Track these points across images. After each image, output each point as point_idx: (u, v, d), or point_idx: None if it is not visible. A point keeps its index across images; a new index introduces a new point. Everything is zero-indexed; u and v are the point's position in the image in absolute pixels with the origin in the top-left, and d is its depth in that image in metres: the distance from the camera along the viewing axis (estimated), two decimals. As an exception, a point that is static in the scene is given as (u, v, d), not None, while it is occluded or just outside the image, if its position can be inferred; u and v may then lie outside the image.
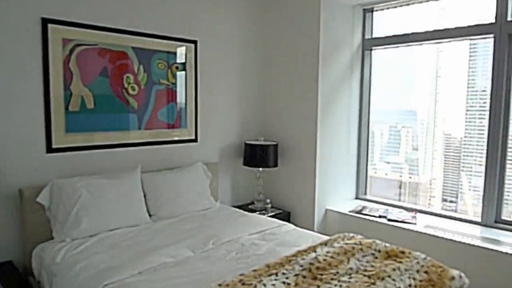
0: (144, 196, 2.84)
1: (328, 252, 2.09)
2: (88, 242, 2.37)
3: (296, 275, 1.85)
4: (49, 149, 2.62)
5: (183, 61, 3.27)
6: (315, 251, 2.11)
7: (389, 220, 3.22)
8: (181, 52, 3.24)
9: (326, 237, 2.46)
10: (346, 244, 2.20)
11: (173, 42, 3.17)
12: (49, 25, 2.55)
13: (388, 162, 3.90)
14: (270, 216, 3.24)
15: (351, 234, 2.41)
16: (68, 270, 2.05)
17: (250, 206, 3.67)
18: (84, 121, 2.76)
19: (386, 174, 3.91)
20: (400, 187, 3.79)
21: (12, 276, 2.26)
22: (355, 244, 2.20)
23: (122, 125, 2.95)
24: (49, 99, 2.59)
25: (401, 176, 3.78)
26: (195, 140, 3.42)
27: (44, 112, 2.58)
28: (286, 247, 2.28)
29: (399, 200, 3.73)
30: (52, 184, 2.50)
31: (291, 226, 2.79)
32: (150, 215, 2.81)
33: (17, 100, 2.47)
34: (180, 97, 3.28)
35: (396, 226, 3.11)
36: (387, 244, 2.24)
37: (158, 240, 2.41)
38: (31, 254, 2.43)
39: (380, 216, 3.31)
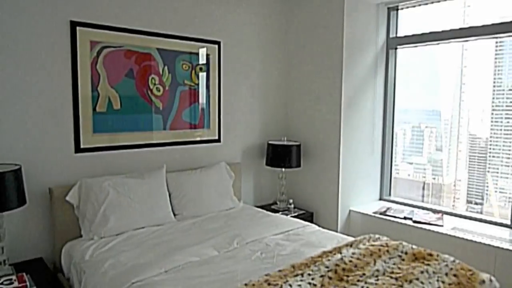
0: (169, 195, 2.88)
1: (354, 253, 2.06)
2: (115, 241, 2.42)
3: (322, 276, 1.84)
4: (78, 149, 2.68)
5: (207, 62, 3.29)
6: (341, 252, 2.10)
7: (415, 221, 3.16)
8: (204, 53, 3.27)
9: (351, 238, 2.44)
10: (372, 245, 2.17)
11: (197, 43, 3.20)
12: (78, 28, 2.61)
13: (411, 163, 3.83)
14: (293, 217, 3.23)
15: (377, 236, 2.38)
16: (97, 267, 2.10)
17: (272, 207, 3.67)
18: (111, 121, 2.81)
19: (409, 175, 3.84)
20: (423, 188, 3.72)
21: (43, 272, 2.33)
22: (381, 245, 2.17)
23: (147, 125, 2.99)
24: (78, 100, 2.65)
25: (424, 177, 3.71)
26: (218, 140, 3.44)
27: (73, 113, 2.64)
28: (311, 248, 2.26)
29: (422, 201, 3.66)
30: (81, 183, 2.56)
31: (315, 227, 2.77)
32: (174, 215, 2.85)
33: (47, 101, 2.54)
34: (204, 98, 3.31)
35: (422, 228, 3.05)
36: (414, 246, 2.20)
37: (183, 239, 2.44)
38: (60, 251, 2.49)
39: (405, 218, 3.25)
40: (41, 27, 2.48)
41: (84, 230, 2.51)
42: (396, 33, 3.69)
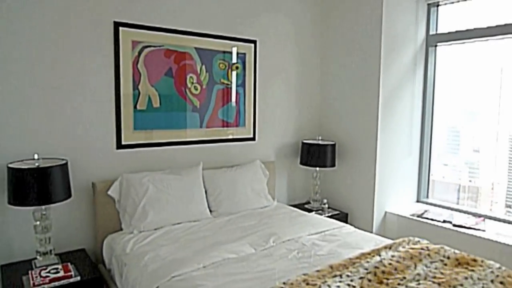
0: (205, 192, 2.92)
1: (393, 256, 2.03)
2: (154, 235, 2.48)
3: (361, 278, 1.81)
4: (119, 145, 2.77)
5: (243, 60, 3.32)
6: (380, 255, 2.06)
7: (455, 225, 3.06)
8: (240, 52, 3.29)
9: (389, 241, 2.39)
10: (412, 248, 2.13)
11: (233, 42, 3.23)
12: (121, 28, 2.69)
13: (446, 164, 3.71)
14: (327, 217, 3.20)
15: (417, 239, 2.32)
16: (137, 260, 2.16)
17: (306, 206, 3.65)
18: (150, 119, 2.88)
19: (444, 177, 3.71)
20: (459, 191, 3.59)
21: (85, 263, 2.42)
22: (422, 249, 2.12)
23: (184, 123, 3.05)
24: (120, 98, 2.73)
25: (460, 179, 3.58)
26: (253, 139, 3.46)
27: (115, 110, 2.73)
28: (348, 249, 2.24)
29: (457, 204, 3.53)
30: (122, 178, 2.65)
31: (351, 227, 2.74)
32: (210, 211, 2.89)
33: (91, 99, 2.63)
34: (239, 96, 3.34)
35: (463, 233, 2.95)
36: (457, 251, 2.13)
37: (219, 235, 2.47)
38: (102, 243, 2.59)
39: (444, 221, 3.16)
40: (87, 27, 2.57)
41: (125, 223, 2.59)
42: (436, 30, 3.58)
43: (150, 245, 2.34)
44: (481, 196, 3.45)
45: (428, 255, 2.07)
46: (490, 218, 3.18)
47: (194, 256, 2.12)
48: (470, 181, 3.52)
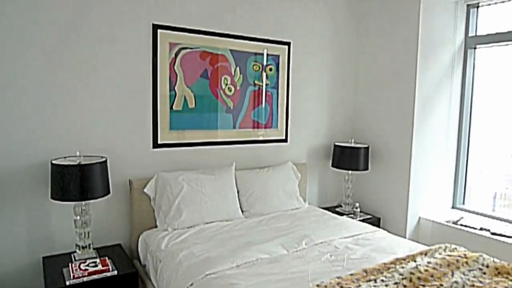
0: (237, 192, 2.95)
1: (429, 262, 1.98)
2: (188, 233, 2.53)
3: (396, 283, 1.79)
4: (155, 145, 2.84)
5: (276, 62, 3.33)
6: (415, 261, 2.02)
7: (493, 233, 2.96)
8: (274, 53, 3.31)
9: (424, 247, 2.34)
10: (449, 255, 2.07)
11: (267, 44, 3.25)
12: (159, 31, 2.76)
13: (481, 171, 3.58)
14: (359, 221, 3.16)
15: (453, 246, 2.26)
16: (172, 257, 2.21)
17: (337, 209, 3.62)
18: (186, 119, 2.94)
19: (479, 183, 3.59)
20: (494, 198, 3.46)
21: (121, 258, 2.49)
22: (459, 256, 2.06)
23: (218, 124, 3.10)
24: (157, 98, 2.81)
25: (496, 185, 3.44)
26: (285, 140, 3.47)
27: (152, 110, 2.81)
28: (382, 254, 2.21)
29: (493, 211, 3.40)
30: (157, 176, 2.71)
31: (385, 232, 2.70)
32: (242, 211, 2.92)
33: (130, 99, 2.71)
34: (272, 98, 3.35)
35: (502, 241, 2.84)
36: (496, 260, 2.06)
37: (251, 236, 2.49)
38: (137, 239, 2.66)
39: (481, 229, 3.06)
40: (128, 29, 2.66)
41: (159, 221, 2.66)
42: (476, 32, 3.47)
43: (184, 243, 2.39)
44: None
45: (466, 263, 2.02)
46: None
47: (228, 255, 2.15)
48: (507, 188, 3.40)
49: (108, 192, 2.44)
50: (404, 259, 2.04)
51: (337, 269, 2.02)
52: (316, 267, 2.04)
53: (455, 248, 2.24)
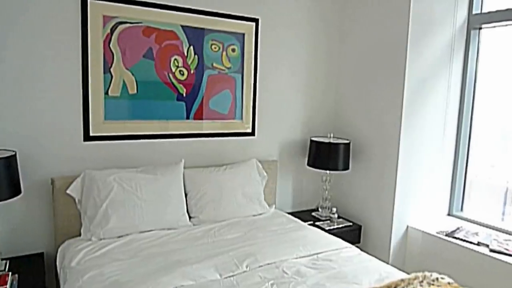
0: (185, 195, 2.51)
1: (395, 301, 1.50)
2: (113, 244, 2.12)
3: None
4: (86, 137, 2.41)
5: (242, 42, 2.84)
6: (377, 298, 1.55)
7: (492, 251, 2.46)
8: (239, 31, 2.82)
9: (399, 274, 1.86)
10: (425, 291, 1.59)
11: (230, 20, 2.77)
12: (89, 1, 2.31)
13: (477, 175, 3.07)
14: (336, 229, 2.71)
15: (435, 275, 1.76)
16: (76, 278, 1.78)
17: (313, 214, 3.17)
18: (125, 108, 2.51)
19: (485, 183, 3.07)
20: (505, 204, 2.94)
21: (36, 271, 2.11)
22: (438, 293, 1.58)
23: (167, 113, 2.65)
24: (88, 82, 2.37)
25: (508, 182, 2.91)
26: (251, 134, 3.00)
27: (82, 96, 2.36)
28: (339, 283, 1.73)
29: (502, 220, 2.88)
30: (84, 175, 2.30)
31: (356, 250, 2.21)
32: (190, 217, 2.48)
33: (53, 83, 2.28)
34: (236, 84, 2.88)
35: (502, 261, 2.35)
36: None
37: (187, 252, 2.06)
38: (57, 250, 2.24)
39: (479, 243, 2.57)
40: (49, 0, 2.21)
41: (84, 228, 2.24)
42: (481, 8, 2.91)
43: (102, 258, 1.97)
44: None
45: (445, 303, 1.53)
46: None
47: (140, 281, 1.70)
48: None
49: (18, 193, 2.06)
50: (363, 294, 1.57)
51: (273, 306, 1.55)
52: (247, 301, 1.58)
53: (437, 278, 1.75)
